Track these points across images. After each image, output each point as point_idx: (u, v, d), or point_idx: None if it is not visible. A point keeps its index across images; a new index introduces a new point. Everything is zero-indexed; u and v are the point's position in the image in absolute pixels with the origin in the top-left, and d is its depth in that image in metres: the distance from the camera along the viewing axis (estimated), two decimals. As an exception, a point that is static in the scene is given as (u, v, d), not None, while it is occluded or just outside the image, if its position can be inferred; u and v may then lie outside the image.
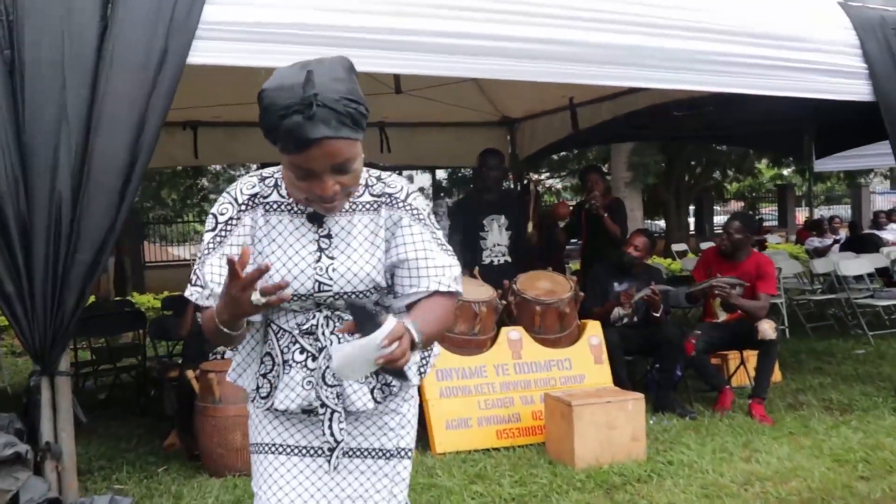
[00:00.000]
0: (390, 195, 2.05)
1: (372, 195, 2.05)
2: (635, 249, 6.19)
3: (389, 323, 1.69)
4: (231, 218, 2.00)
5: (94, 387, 7.60)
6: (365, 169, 2.02)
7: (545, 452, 5.07)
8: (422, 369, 2.13)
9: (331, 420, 2.01)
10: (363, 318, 1.74)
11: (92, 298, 9.71)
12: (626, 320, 6.17)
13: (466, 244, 6.57)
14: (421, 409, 5.04)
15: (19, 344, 10.90)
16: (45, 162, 3.62)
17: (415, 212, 2.05)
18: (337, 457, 2.06)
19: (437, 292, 2.00)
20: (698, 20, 5.04)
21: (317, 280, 1.98)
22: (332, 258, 2.00)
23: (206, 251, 1.99)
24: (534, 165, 13.17)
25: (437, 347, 2.19)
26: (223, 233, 2.00)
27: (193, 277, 2.00)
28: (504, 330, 5.54)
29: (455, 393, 5.26)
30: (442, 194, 10.85)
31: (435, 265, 2.01)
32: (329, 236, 2.01)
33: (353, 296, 1.99)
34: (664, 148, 15.82)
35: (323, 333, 2.01)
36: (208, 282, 1.95)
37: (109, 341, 7.72)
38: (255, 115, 1.83)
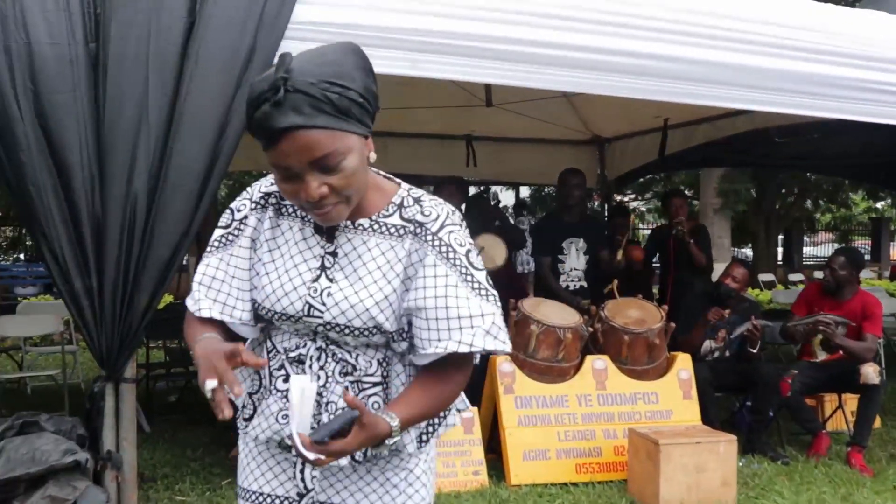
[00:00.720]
0: (421, 224, 1.71)
1: (402, 218, 1.74)
2: (734, 280, 5.88)
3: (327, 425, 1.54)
4: (245, 217, 1.80)
5: (166, 388, 7.57)
6: (405, 185, 1.78)
7: (626, 491, 4.79)
8: (423, 438, 1.81)
9: (303, 465, 1.78)
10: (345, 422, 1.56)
11: (170, 298, 9.78)
12: (717, 354, 5.85)
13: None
14: (497, 437, 4.89)
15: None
16: (123, 161, 3.50)
17: (444, 249, 1.69)
18: None
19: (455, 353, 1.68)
20: (815, 41, 4.69)
21: (308, 302, 1.71)
22: (331, 280, 1.72)
23: (213, 246, 1.81)
24: (621, 187, 12.84)
25: (452, 417, 1.86)
26: (236, 231, 1.79)
27: (198, 274, 1.83)
28: (589, 358, 5.26)
29: (534, 422, 5.00)
30: (525, 212, 10.60)
31: (460, 317, 1.67)
32: (335, 254, 1.74)
33: (348, 330, 1.70)
34: (756, 175, 15.32)
35: (311, 366, 1.74)
36: (197, 283, 1.78)
37: (183, 343, 7.67)
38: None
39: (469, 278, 1.68)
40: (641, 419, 5.17)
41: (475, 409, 5.03)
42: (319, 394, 1.74)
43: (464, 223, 1.77)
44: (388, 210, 1.74)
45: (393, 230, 1.72)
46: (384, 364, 1.76)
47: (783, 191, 18.69)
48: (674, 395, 5.34)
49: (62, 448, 3.47)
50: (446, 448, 4.80)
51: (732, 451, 4.65)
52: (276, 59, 1.53)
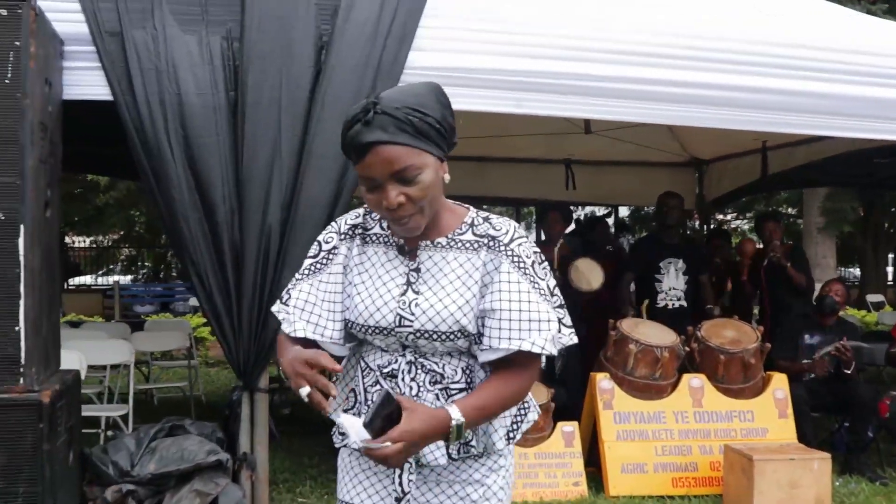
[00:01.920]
0: (493, 238, 1.92)
1: (475, 235, 1.94)
2: (837, 295, 5.97)
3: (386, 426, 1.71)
4: (334, 247, 1.99)
5: (279, 402, 8.02)
6: (472, 208, 1.98)
7: (722, 505, 4.97)
8: (511, 434, 1.99)
9: (401, 470, 1.91)
10: (383, 403, 1.75)
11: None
12: (813, 375, 5.95)
13: (641, 285, 6.56)
14: (596, 450, 5.15)
15: (213, 355, 11.71)
16: (259, 196, 3.94)
17: (516, 259, 1.90)
18: None
19: (520, 351, 1.87)
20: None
21: (398, 314, 1.90)
22: (417, 293, 1.91)
23: (303, 273, 2.00)
24: (720, 208, 12.85)
25: (532, 413, 2.04)
26: (324, 260, 1.98)
27: (285, 296, 2.02)
28: (686, 377, 5.47)
29: (632, 437, 5.23)
30: (624, 232, 10.75)
31: (530, 319, 1.87)
32: (418, 270, 1.93)
33: (436, 336, 1.89)
34: (862, 193, 15.06)
35: (403, 379, 1.92)
36: (292, 307, 1.97)
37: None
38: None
39: (536, 285, 1.89)
40: (737, 436, 5.33)
41: (575, 423, 5.30)
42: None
43: (530, 236, 2.00)
44: (461, 229, 1.94)
45: (468, 245, 1.92)
46: (468, 372, 1.94)
47: (893, 209, 18.26)
48: (769, 413, 5.49)
49: (206, 448, 3.91)
50: (548, 460, 5.09)
51: (827, 468, 4.78)
52: None
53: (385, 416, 1.73)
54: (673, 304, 6.39)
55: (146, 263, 22.79)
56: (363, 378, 1.99)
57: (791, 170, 7.91)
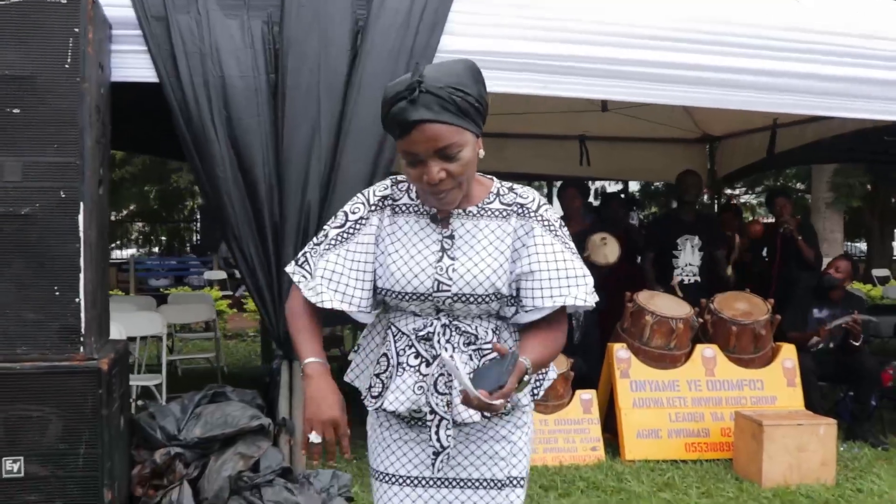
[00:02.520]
0: (522, 205, 2.02)
1: (503, 203, 2.04)
2: (836, 271, 6.17)
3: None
4: (361, 217, 2.04)
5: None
6: (496, 179, 2.08)
7: (732, 469, 5.19)
8: (535, 391, 2.10)
9: (438, 426, 1.98)
10: (507, 362, 1.83)
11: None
12: (821, 346, 6.15)
13: (658, 261, 6.76)
14: (613, 416, 5.38)
15: (230, 328, 11.95)
16: (299, 174, 4.13)
17: (546, 223, 2.01)
18: (442, 461, 2.01)
19: (563, 308, 2.00)
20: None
21: (436, 279, 1.97)
22: (453, 259, 1.98)
23: (329, 243, 2.04)
24: (731, 183, 12.99)
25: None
26: (351, 230, 2.03)
27: (301, 258, 2.07)
28: (699, 347, 5.69)
29: (648, 404, 5.46)
30: (634, 207, 10.90)
31: (568, 276, 1.98)
32: (452, 237, 2.01)
33: (473, 299, 1.97)
34: (871, 169, 15.19)
35: (438, 341, 1.99)
36: (319, 277, 2.01)
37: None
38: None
39: (568, 245, 2.02)
40: (747, 404, 5.55)
41: (593, 391, 5.52)
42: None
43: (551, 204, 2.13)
44: (489, 198, 2.04)
45: (497, 213, 2.02)
46: (497, 332, 2.03)
47: (897, 184, 18.37)
48: (778, 382, 5.71)
49: (249, 413, 4.13)
50: (567, 426, 5.32)
51: (832, 433, 5.01)
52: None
53: (498, 372, 1.82)
54: (689, 280, 6.59)
55: (161, 238, 22.97)
56: (395, 342, 2.05)
57: (801, 147, 8.07)
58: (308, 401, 1.95)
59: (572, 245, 2.04)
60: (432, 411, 1.98)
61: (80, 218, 3.46)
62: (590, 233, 6.46)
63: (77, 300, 3.48)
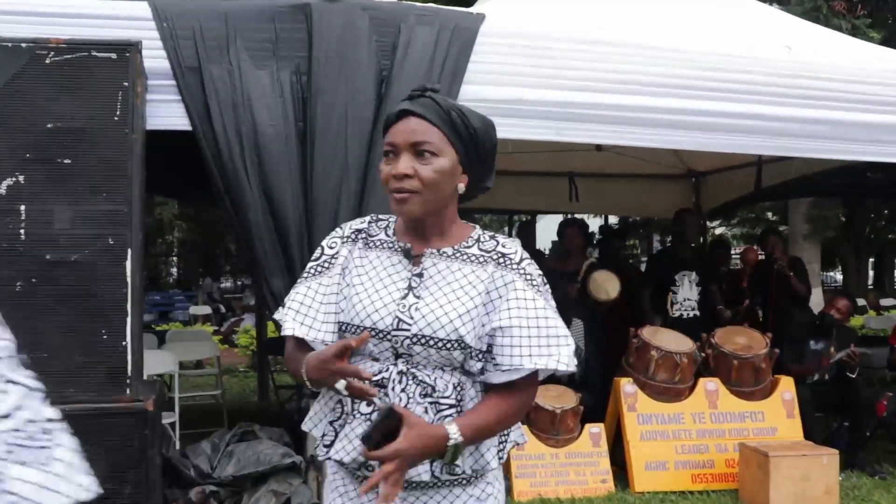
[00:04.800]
0: (503, 255, 1.92)
1: (481, 249, 1.94)
2: (838, 312, 6.42)
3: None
4: (337, 252, 1.99)
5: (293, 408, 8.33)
6: (479, 227, 2.01)
7: (738, 499, 5.36)
8: (500, 455, 1.93)
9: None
10: (385, 416, 1.71)
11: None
12: (816, 377, 6.37)
13: (656, 296, 6.95)
14: (622, 449, 5.53)
15: (224, 363, 11.97)
16: (328, 219, 4.25)
17: (529, 277, 1.90)
18: None
19: (535, 374, 1.88)
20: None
21: (397, 316, 1.87)
22: (418, 297, 1.89)
23: (304, 276, 2.01)
24: (715, 218, 13.25)
25: (521, 437, 2.01)
26: (326, 264, 1.98)
27: (288, 300, 2.00)
28: (702, 380, 5.88)
29: (654, 437, 5.63)
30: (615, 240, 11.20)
31: (549, 335, 1.86)
32: (421, 275, 1.92)
33: (433, 342, 1.85)
34: (846, 200, 15.54)
35: (393, 389, 1.86)
36: (287, 308, 1.96)
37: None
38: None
39: (551, 303, 1.91)
40: (749, 435, 5.74)
41: (601, 425, 5.69)
42: None
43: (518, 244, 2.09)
44: (468, 242, 1.96)
45: (474, 258, 1.92)
46: (459, 388, 1.88)
47: (872, 215, 18.77)
48: (778, 414, 5.91)
49: (280, 451, 4.25)
50: (578, 459, 5.47)
51: (834, 463, 5.21)
52: None
53: (384, 430, 1.70)
54: (687, 314, 6.80)
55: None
56: None
57: (786, 182, 8.32)
58: (314, 361, 1.82)
59: (554, 304, 1.94)
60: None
61: (128, 264, 3.59)
62: (590, 269, 6.65)
63: (124, 343, 3.59)
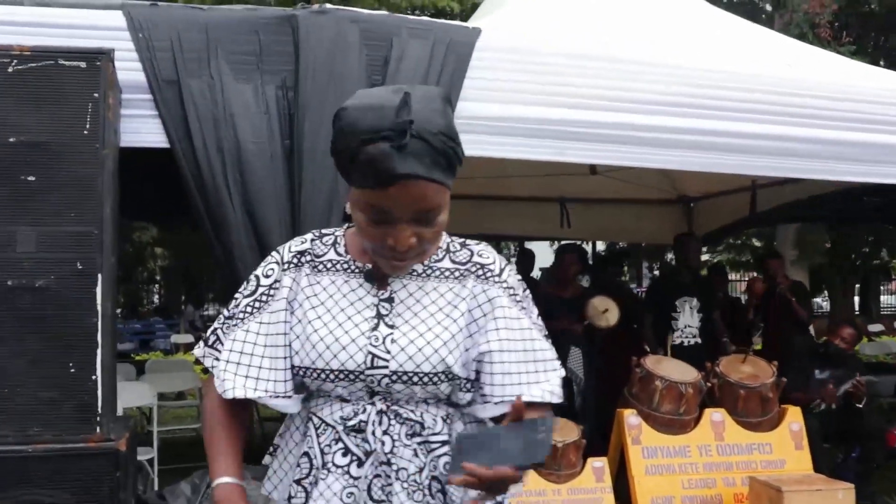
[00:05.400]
0: (482, 266, 1.69)
1: (455, 262, 1.70)
2: (843, 341, 6.23)
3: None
4: (276, 281, 1.69)
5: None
6: (444, 233, 1.72)
7: (748, 536, 5.10)
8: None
9: None
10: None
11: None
12: (823, 407, 6.14)
13: (657, 323, 6.72)
14: (627, 484, 5.25)
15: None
16: (316, 238, 4.00)
17: (511, 291, 1.68)
18: None
19: (533, 403, 1.63)
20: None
21: (370, 352, 1.60)
22: (391, 327, 1.62)
23: (239, 316, 1.71)
24: (707, 244, 13.14)
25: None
26: (264, 297, 1.69)
27: (212, 337, 1.74)
28: (707, 411, 5.61)
29: (660, 471, 5.35)
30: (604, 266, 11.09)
31: (536, 360, 1.66)
32: (391, 300, 1.65)
33: (417, 378, 1.60)
34: (832, 226, 15.48)
35: (373, 433, 1.61)
36: (224, 360, 1.69)
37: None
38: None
39: (535, 321, 1.70)
40: (757, 468, 5.48)
41: (604, 458, 5.41)
42: (388, 462, 1.62)
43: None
44: (437, 255, 1.70)
45: (449, 273, 1.68)
46: (448, 421, 1.68)
47: (869, 237, 18.74)
48: (786, 445, 5.64)
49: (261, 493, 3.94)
50: (581, 495, 5.18)
51: (850, 498, 4.95)
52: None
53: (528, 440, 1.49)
54: (689, 342, 6.59)
55: (119, 299, 22.52)
56: (318, 437, 1.66)
57: (779, 206, 8.15)
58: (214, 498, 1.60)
59: (536, 318, 1.72)
60: None
61: (98, 290, 3.30)
62: (588, 296, 6.42)
63: (94, 377, 3.28)
